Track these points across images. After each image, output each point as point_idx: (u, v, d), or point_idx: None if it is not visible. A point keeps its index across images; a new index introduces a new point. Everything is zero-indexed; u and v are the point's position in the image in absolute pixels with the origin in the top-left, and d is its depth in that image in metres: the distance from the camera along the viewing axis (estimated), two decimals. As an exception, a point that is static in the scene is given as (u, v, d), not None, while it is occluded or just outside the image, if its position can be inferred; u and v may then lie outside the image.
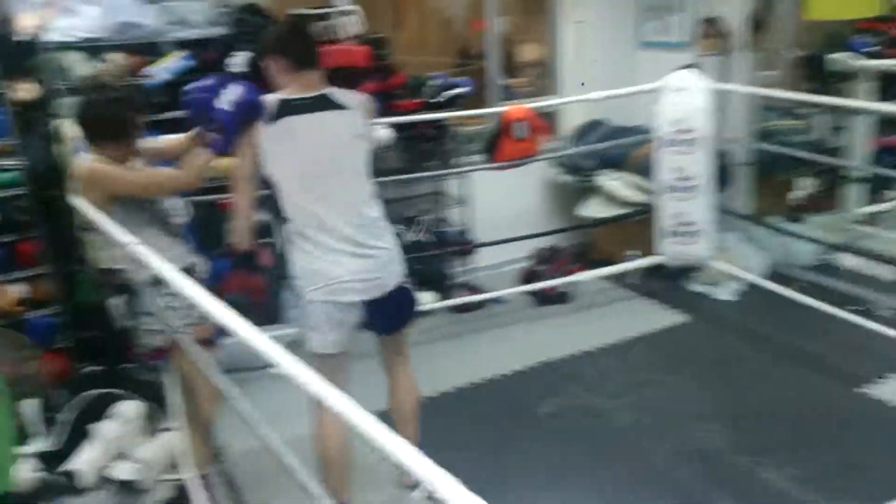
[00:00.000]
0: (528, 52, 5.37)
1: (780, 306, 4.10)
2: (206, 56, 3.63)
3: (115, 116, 2.50)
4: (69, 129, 3.22)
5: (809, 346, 3.85)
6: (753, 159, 4.93)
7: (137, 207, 2.49)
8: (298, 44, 2.47)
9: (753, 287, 4.36)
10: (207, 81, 2.49)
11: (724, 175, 4.66)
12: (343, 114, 2.46)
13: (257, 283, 2.57)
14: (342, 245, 2.37)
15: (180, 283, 1.71)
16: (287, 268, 2.42)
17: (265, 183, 2.43)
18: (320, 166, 2.40)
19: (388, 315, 2.53)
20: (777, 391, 3.50)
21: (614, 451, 3.10)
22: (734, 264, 4.45)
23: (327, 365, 2.28)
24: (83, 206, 2.40)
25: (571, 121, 5.12)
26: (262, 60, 2.51)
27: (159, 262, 1.86)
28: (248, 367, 3.49)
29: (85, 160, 2.49)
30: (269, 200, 2.44)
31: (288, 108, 2.38)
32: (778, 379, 3.60)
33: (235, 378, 2.48)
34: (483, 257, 4.70)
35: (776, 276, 4.48)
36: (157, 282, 2.23)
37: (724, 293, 4.53)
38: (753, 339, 4.03)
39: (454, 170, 4.30)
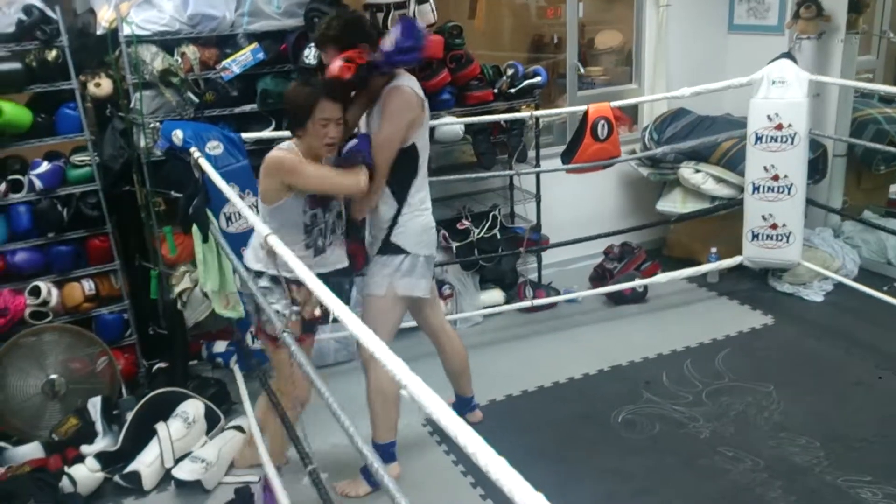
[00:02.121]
0: (608, 39, 5.15)
1: (874, 308, 3.82)
2: (280, 48, 3.59)
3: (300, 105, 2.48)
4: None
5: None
6: (848, 150, 4.61)
7: (295, 211, 2.51)
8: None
9: (844, 287, 4.09)
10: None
11: (815, 167, 4.38)
12: None
13: (360, 249, 2.80)
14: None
15: (303, 273, 1.72)
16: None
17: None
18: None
19: None
20: (877, 403, 3.25)
21: (694, 465, 2.93)
22: (824, 263, 4.17)
23: (403, 305, 2.77)
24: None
25: (653, 109, 4.89)
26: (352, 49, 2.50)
27: (289, 254, 1.86)
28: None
29: (281, 147, 2.52)
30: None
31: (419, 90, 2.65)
32: (878, 389, 3.35)
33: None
34: (555, 254, 4.55)
35: (869, 276, 4.19)
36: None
37: (813, 293, 4.26)
38: (848, 344, 3.75)
39: (532, 169, 4.15)
